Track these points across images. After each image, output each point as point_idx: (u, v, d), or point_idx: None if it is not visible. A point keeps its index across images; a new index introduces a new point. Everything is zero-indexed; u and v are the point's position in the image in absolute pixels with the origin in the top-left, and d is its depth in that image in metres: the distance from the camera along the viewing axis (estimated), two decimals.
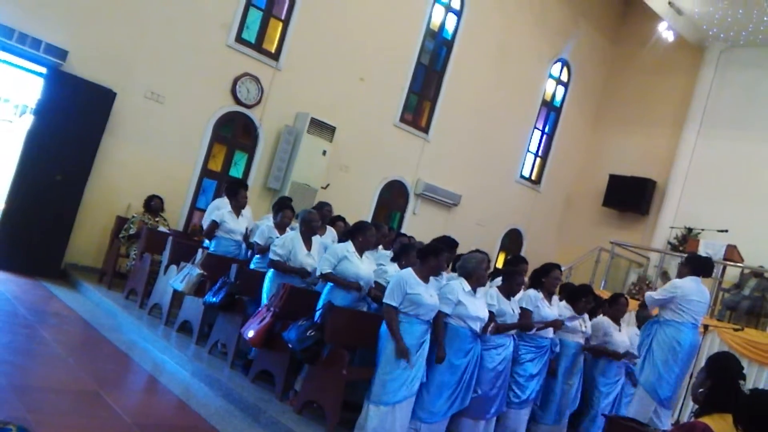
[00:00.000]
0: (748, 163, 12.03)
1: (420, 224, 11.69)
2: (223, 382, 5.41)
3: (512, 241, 13.88)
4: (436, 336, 4.89)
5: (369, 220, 10.65)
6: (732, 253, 9.56)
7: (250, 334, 5.33)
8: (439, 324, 4.90)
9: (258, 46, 9.70)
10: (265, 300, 5.74)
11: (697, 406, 3.15)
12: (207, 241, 7.04)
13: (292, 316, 5.19)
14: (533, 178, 14.18)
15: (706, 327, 6.95)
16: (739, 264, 9.91)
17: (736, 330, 7.90)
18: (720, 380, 3.08)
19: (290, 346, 4.96)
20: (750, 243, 10.22)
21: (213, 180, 9.61)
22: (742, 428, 3.08)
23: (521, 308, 5.69)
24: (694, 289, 5.60)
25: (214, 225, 6.89)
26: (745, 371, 3.40)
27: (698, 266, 5.77)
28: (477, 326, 5.02)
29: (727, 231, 10.18)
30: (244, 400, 5.12)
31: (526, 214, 13.94)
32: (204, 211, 8.10)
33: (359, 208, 10.80)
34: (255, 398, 5.14)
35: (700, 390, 3.11)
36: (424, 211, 12.13)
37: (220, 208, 6.98)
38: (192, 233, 8.87)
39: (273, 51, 9.85)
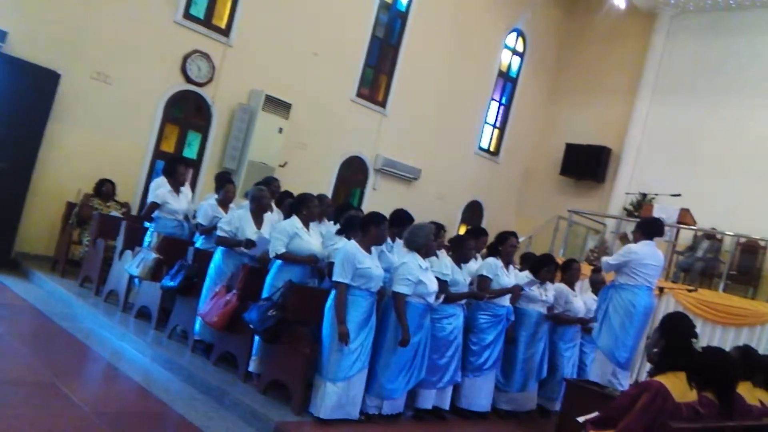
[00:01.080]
0: (699, 129, 12.29)
1: (380, 200, 11.64)
2: (184, 367, 5.34)
3: (473, 213, 13.97)
4: (398, 319, 4.85)
5: (330, 197, 10.58)
6: (685, 217, 9.77)
7: (214, 318, 5.26)
8: (400, 307, 4.85)
9: (207, 21, 9.43)
10: (210, 279, 5.66)
11: (652, 366, 3.24)
12: (147, 223, 6.89)
13: (252, 296, 5.13)
14: (492, 149, 14.25)
15: (661, 289, 7.14)
16: (692, 227, 10.16)
17: (690, 291, 8.12)
18: (673, 340, 3.16)
19: (252, 326, 4.91)
20: (702, 206, 10.46)
21: None
22: (696, 385, 3.19)
23: (480, 276, 5.72)
24: (648, 253, 5.71)
25: (154, 206, 6.74)
26: (698, 330, 3.50)
27: (648, 229, 5.87)
28: (432, 299, 5.06)
29: (680, 195, 10.40)
30: (207, 383, 5.07)
31: (486, 185, 14.02)
32: None
33: (319, 185, 10.67)
34: (218, 381, 5.09)
35: (655, 350, 3.20)
36: (384, 186, 12.10)
37: (159, 188, 6.82)
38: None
39: (223, 27, 9.59)
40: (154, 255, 6.28)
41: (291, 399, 4.80)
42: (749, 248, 10.88)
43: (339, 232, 5.47)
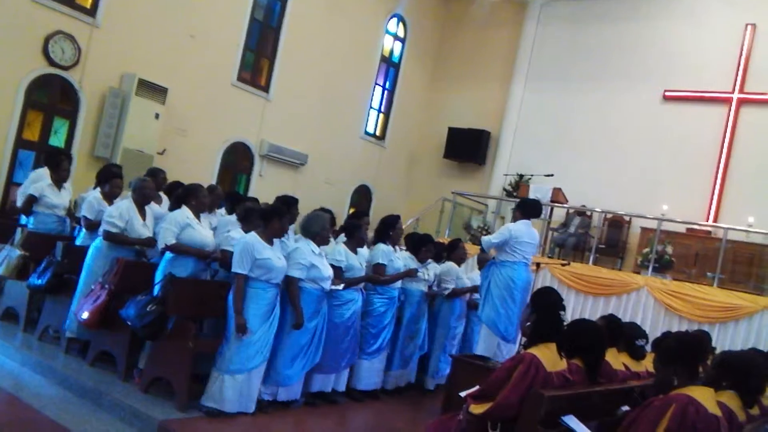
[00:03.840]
0: (570, 112, 13.01)
1: (268, 186, 11.44)
2: (57, 369, 5.05)
3: (361, 197, 14.07)
4: (291, 303, 4.85)
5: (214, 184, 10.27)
6: (557, 195, 10.34)
7: (84, 315, 4.98)
8: (293, 290, 4.87)
9: (69, 0, 8.78)
10: (85, 275, 5.37)
11: (526, 339, 3.42)
12: (24, 218, 6.40)
13: (130, 291, 4.90)
14: (378, 134, 14.37)
15: (538, 265, 7.51)
16: (564, 205, 10.78)
17: (563, 265, 8.62)
18: (543, 313, 3.35)
19: (129, 323, 4.71)
20: (573, 185, 11.13)
21: (30, 151, 8.69)
22: (565, 354, 3.40)
23: (377, 264, 5.83)
24: (525, 231, 6.02)
25: (32, 199, 6.27)
26: (571, 301, 3.73)
27: (528, 210, 6.19)
28: (327, 285, 5.09)
29: (552, 175, 10.99)
30: (83, 385, 4.82)
31: (373, 170, 14.14)
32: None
33: (201, 172, 10.33)
34: (95, 382, 4.85)
35: (527, 324, 3.38)
36: (271, 172, 11.90)
37: (38, 180, 6.35)
38: (11, 211, 8.02)
39: (88, 6, 8.97)
40: (18, 252, 5.84)
41: (174, 396, 4.65)
42: (615, 223, 11.75)
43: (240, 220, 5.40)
